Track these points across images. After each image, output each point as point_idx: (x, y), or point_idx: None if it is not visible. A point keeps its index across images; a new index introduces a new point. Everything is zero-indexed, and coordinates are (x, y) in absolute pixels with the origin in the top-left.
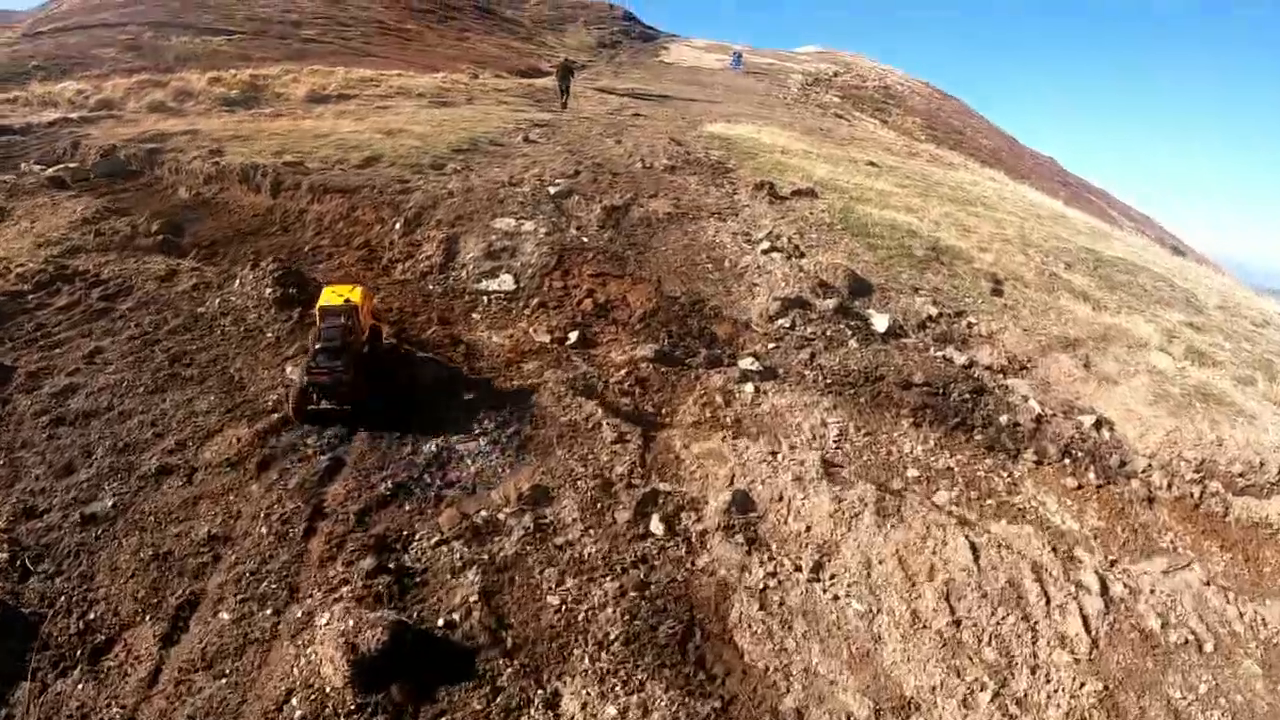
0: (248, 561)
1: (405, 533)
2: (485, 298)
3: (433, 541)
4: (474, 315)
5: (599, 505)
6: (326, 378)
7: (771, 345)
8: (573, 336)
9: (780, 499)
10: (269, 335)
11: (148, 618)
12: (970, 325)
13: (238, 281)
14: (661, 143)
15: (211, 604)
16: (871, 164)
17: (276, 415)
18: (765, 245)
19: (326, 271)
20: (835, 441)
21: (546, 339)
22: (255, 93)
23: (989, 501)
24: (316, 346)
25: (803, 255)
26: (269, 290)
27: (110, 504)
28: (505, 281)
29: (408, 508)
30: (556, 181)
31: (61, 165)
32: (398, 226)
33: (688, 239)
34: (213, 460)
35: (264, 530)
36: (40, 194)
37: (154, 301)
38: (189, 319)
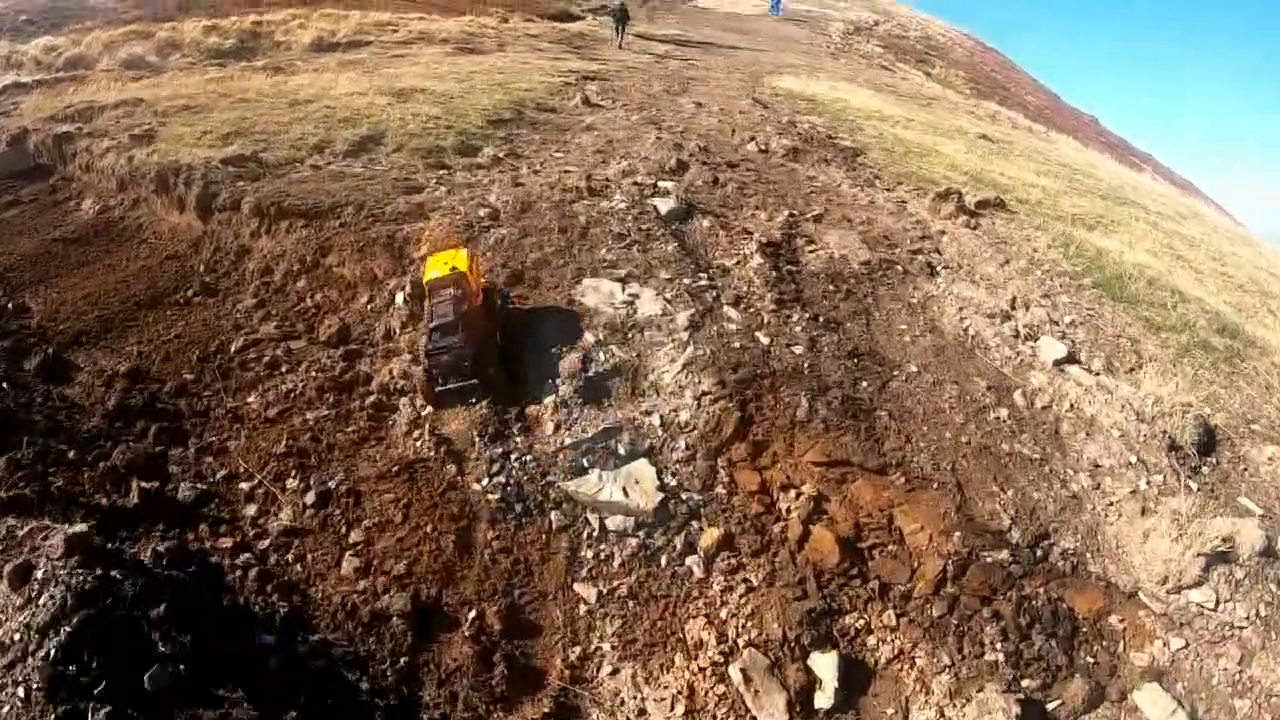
0: None
1: None
2: (588, 534)
3: None
4: (579, 610)
5: None
6: (445, 357)
7: (1176, 644)
8: (826, 684)
9: None
10: None
11: None
12: None
13: None
14: (744, 104)
15: None
16: (984, 138)
17: None
18: (1055, 350)
19: (245, 452)
20: None
21: None
22: (254, 41)
23: None
24: (430, 326)
25: (1088, 359)
26: None
27: None
28: (637, 486)
29: None
30: (662, 186)
31: None
32: (400, 298)
33: (924, 328)
34: None
35: None
36: None
37: None
38: None
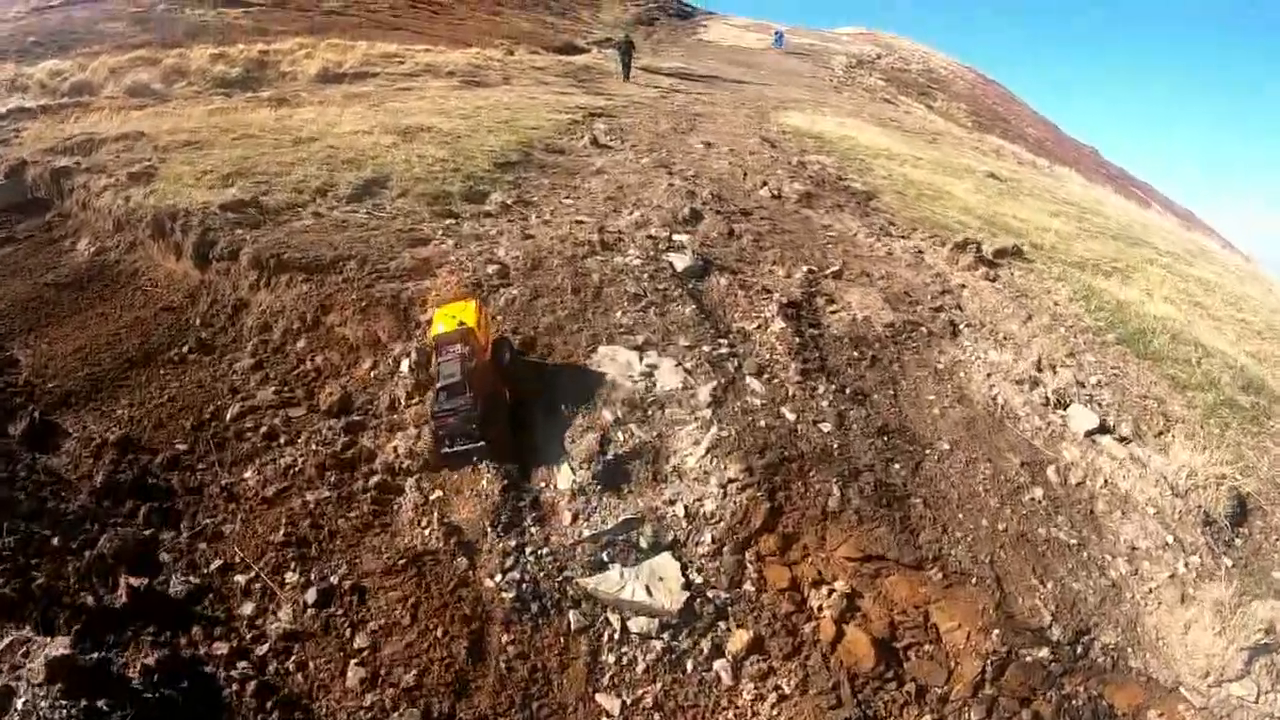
0: None
1: None
2: (609, 637)
3: None
4: None
5: None
6: (452, 419)
7: None
8: None
9: None
10: None
11: None
12: None
13: None
14: (753, 143)
15: None
16: (993, 176)
17: None
18: (1086, 420)
19: (241, 538)
20: None
21: None
22: (260, 71)
23: None
24: (437, 386)
25: (1116, 423)
26: None
27: None
28: (661, 584)
29: None
30: (676, 239)
31: None
32: (405, 366)
33: (953, 397)
34: None
35: None
36: None
37: None
38: None
